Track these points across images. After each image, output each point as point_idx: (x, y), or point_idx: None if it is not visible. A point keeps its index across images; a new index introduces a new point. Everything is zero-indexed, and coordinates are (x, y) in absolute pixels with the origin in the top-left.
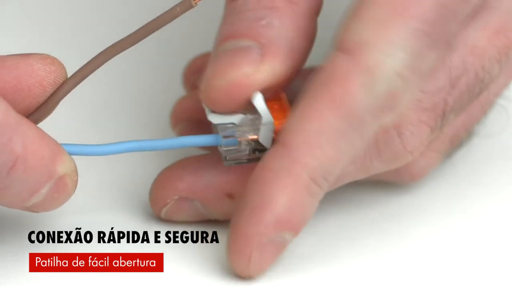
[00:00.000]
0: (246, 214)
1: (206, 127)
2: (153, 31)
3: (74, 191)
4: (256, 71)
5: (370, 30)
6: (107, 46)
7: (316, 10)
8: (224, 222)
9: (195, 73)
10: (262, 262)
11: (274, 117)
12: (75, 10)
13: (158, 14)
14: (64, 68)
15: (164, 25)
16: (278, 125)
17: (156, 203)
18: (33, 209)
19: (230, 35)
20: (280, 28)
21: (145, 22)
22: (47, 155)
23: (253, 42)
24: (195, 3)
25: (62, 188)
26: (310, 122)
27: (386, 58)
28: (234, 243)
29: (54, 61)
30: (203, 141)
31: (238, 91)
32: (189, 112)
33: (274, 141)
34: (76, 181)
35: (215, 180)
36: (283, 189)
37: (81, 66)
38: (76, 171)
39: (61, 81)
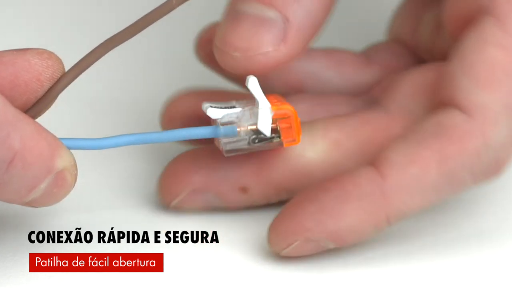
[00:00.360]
0: (312, 208)
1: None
2: (149, 24)
3: (74, 185)
4: (275, 51)
5: (489, 93)
6: (104, 39)
7: None
8: (224, 222)
9: (210, 42)
10: (296, 251)
11: (271, 103)
12: (71, 4)
13: (154, 7)
14: (61, 63)
15: (161, 17)
16: (276, 111)
17: (167, 194)
18: (32, 204)
19: None
20: (307, 2)
21: (141, 15)
22: (46, 150)
23: (279, 14)
24: None
25: (61, 183)
26: (413, 167)
27: (502, 126)
28: (284, 223)
29: (51, 55)
30: (202, 133)
31: (252, 65)
32: (183, 113)
33: (273, 130)
34: (76, 175)
35: (230, 174)
36: (359, 212)
37: (78, 60)
38: (75, 165)
39: (59, 76)
